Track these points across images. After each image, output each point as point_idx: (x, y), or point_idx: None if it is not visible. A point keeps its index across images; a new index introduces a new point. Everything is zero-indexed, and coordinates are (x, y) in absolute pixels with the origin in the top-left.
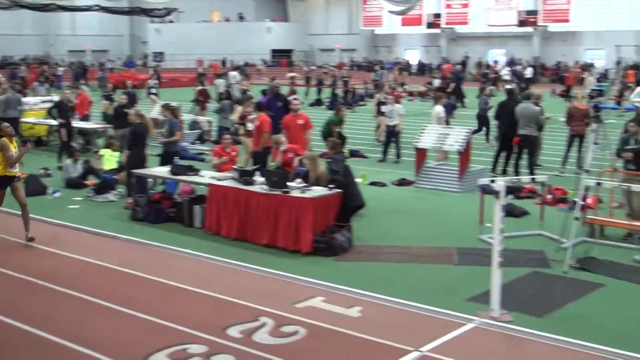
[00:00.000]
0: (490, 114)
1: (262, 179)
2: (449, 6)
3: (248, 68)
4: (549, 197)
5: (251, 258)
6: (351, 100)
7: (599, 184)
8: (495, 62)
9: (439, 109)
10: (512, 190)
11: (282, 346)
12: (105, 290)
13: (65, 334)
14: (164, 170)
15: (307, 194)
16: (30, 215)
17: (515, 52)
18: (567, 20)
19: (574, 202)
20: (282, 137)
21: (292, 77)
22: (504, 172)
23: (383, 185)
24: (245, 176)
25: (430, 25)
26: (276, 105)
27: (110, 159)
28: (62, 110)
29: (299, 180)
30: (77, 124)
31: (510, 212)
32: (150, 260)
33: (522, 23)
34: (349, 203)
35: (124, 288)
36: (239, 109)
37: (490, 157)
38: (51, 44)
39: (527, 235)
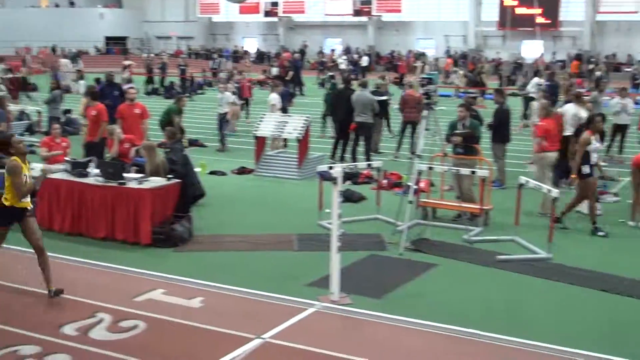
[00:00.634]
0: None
1: (97, 171)
2: None
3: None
4: (385, 182)
5: (88, 252)
6: (190, 89)
7: (430, 168)
8: (332, 50)
9: (274, 97)
10: (349, 176)
11: (120, 341)
12: None
13: None
14: None
15: (145, 185)
16: None
17: (351, 41)
18: (399, 11)
19: (408, 186)
20: (117, 128)
21: (127, 66)
22: (342, 159)
23: (223, 174)
24: (78, 168)
25: (267, 13)
26: (112, 94)
27: None
28: None
29: (135, 169)
30: None
31: (349, 197)
32: None
33: (357, 13)
34: (188, 193)
35: None
36: (83, 100)
37: (328, 145)
38: None
39: (365, 219)
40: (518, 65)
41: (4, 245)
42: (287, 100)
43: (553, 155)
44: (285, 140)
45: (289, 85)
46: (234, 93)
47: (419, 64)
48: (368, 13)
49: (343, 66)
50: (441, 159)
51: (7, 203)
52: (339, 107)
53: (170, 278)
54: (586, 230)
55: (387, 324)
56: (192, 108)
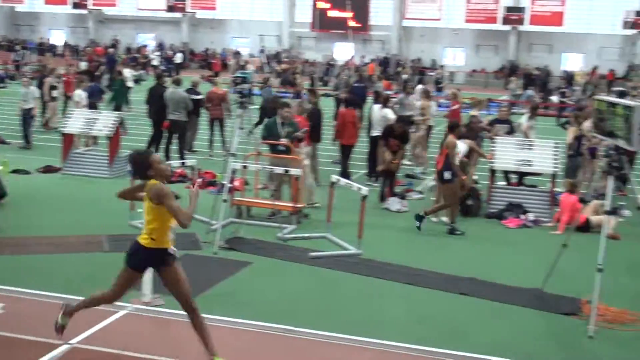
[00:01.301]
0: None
1: None
2: None
3: None
4: (199, 180)
5: None
6: None
7: (245, 166)
8: (145, 46)
9: (79, 93)
10: None
11: None
12: None
13: None
14: None
15: None
16: None
17: (165, 37)
18: (213, 8)
19: (222, 185)
20: None
21: None
22: None
23: (27, 173)
24: None
25: (76, 5)
26: None
27: None
28: None
29: None
30: None
31: None
32: None
33: (170, 9)
34: None
35: None
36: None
37: (142, 142)
38: None
39: None
40: (330, 67)
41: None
42: (97, 96)
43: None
44: (95, 137)
45: (99, 80)
46: (53, 88)
47: (232, 61)
48: (182, 9)
49: (155, 62)
50: (255, 158)
51: (152, 245)
52: (151, 104)
53: None
54: (395, 226)
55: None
56: None
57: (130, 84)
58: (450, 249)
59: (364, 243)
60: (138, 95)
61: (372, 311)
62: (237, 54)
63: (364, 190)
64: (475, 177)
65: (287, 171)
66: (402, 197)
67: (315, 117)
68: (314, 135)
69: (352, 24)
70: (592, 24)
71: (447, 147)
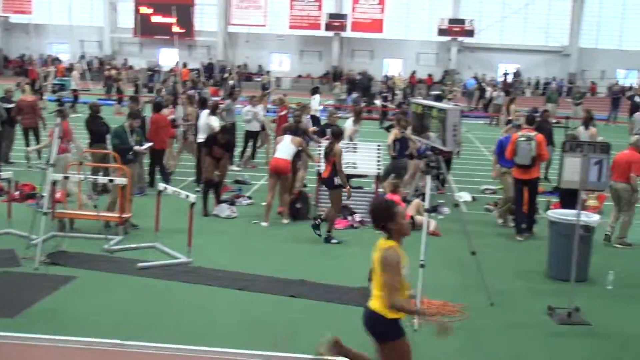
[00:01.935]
0: None
1: None
2: None
3: None
4: (17, 193)
5: None
6: None
7: (66, 177)
8: None
9: None
10: None
11: None
12: None
13: None
14: None
15: None
16: None
17: None
18: (29, 12)
19: (42, 197)
20: None
21: None
22: None
23: None
24: None
25: None
26: None
27: None
28: None
29: None
30: None
31: None
32: None
33: None
34: None
35: None
36: None
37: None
38: None
39: None
40: (155, 73)
41: None
42: None
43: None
44: None
45: None
46: None
47: (52, 68)
48: None
49: None
50: (77, 168)
51: (391, 315)
52: None
53: None
54: (225, 233)
55: (21, 344)
56: None
57: None
58: (280, 253)
59: (194, 251)
60: None
61: (204, 319)
62: (56, 60)
63: (192, 197)
64: (304, 181)
65: (111, 180)
66: (231, 203)
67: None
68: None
69: (176, 29)
70: (410, 31)
71: (335, 154)
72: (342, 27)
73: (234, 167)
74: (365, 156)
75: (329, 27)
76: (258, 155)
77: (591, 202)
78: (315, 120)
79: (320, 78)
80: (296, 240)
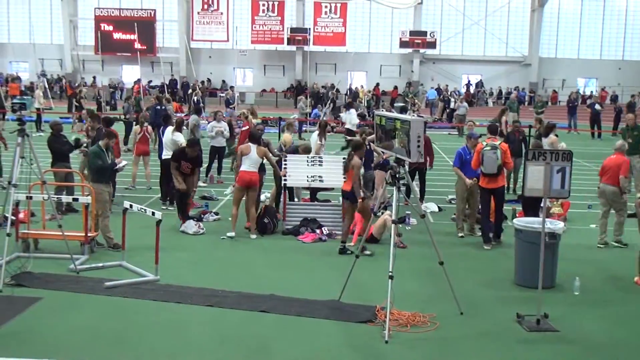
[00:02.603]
0: None
1: None
2: None
3: None
4: None
5: None
6: None
7: (30, 197)
8: None
9: None
10: None
11: None
12: None
13: None
14: None
15: None
16: None
17: None
18: None
19: (5, 218)
20: None
21: None
22: None
23: None
24: None
25: None
26: None
27: None
28: None
29: None
30: None
31: None
32: None
33: None
34: None
35: None
36: None
37: None
38: None
39: None
40: (116, 90)
41: None
42: None
43: None
44: None
45: None
46: None
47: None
48: None
49: None
50: (41, 187)
51: None
52: None
53: None
54: (193, 249)
55: None
56: None
57: None
58: (249, 268)
59: (162, 268)
60: None
61: (175, 337)
62: (17, 79)
63: (158, 214)
64: (269, 195)
65: (75, 199)
66: (198, 219)
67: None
68: None
69: (138, 46)
70: (373, 43)
71: (353, 167)
72: (305, 41)
73: (201, 183)
74: (331, 169)
75: (291, 41)
76: (224, 171)
77: (555, 210)
78: (350, 134)
79: (284, 92)
80: (265, 255)
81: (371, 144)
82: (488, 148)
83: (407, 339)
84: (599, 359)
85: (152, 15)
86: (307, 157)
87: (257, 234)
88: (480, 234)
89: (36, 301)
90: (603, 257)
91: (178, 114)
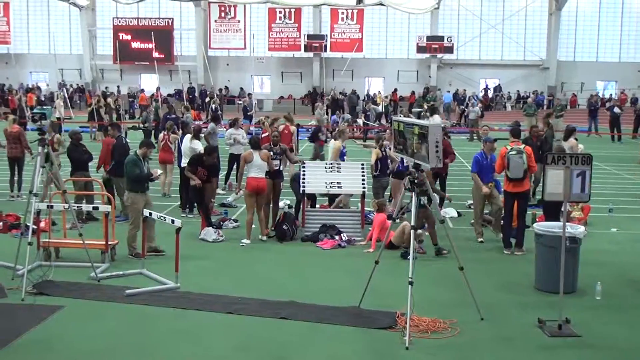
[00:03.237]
0: None
1: None
2: None
3: None
4: (0, 224)
5: None
6: None
7: (50, 206)
8: None
9: None
10: None
11: None
12: None
13: None
14: None
15: None
16: None
17: None
18: (8, 42)
19: (27, 227)
20: None
21: None
22: None
23: None
24: None
25: None
26: None
27: None
28: None
29: None
30: None
31: None
32: None
33: None
34: None
35: None
36: None
37: None
38: None
39: None
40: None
41: None
42: None
43: None
44: None
45: None
46: None
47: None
48: None
49: None
50: (61, 196)
51: None
52: None
53: None
54: (212, 257)
55: None
56: None
57: None
58: (269, 275)
59: (182, 276)
60: None
61: (194, 345)
62: (35, 89)
63: (178, 222)
64: (287, 202)
65: (95, 208)
66: (217, 226)
67: (122, 150)
68: (120, 170)
69: (156, 55)
70: (390, 49)
71: (429, 175)
72: (322, 48)
73: (220, 191)
74: (349, 175)
75: (308, 48)
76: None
77: (576, 214)
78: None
79: (302, 99)
80: (284, 261)
81: (387, 150)
82: (514, 152)
83: (427, 345)
84: None
85: (170, 24)
86: (326, 163)
87: (265, 236)
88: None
89: (58, 309)
90: (625, 261)
91: (196, 122)
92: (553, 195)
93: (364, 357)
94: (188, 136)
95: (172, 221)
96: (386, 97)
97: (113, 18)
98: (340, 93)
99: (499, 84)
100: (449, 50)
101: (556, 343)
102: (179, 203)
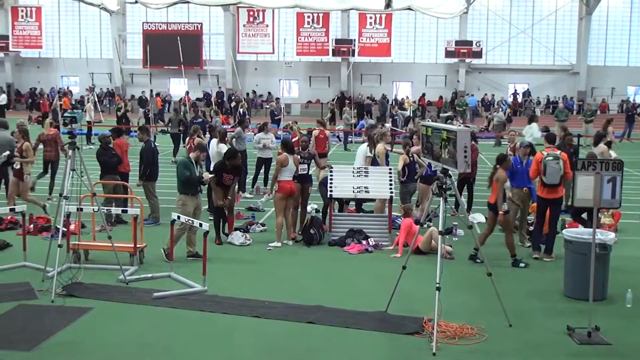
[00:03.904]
0: None
1: None
2: None
3: None
4: (31, 226)
5: None
6: None
7: (80, 209)
8: None
9: None
10: None
11: None
12: None
13: None
14: None
15: None
16: None
17: None
18: (40, 47)
19: (57, 229)
20: None
21: None
22: None
23: None
24: None
25: None
26: None
27: None
28: None
29: None
30: None
31: None
32: None
33: None
34: None
35: None
36: None
37: None
38: None
39: (10, 268)
40: (165, 103)
41: None
42: None
43: None
44: None
45: None
46: None
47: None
48: (5, 49)
49: None
50: (91, 199)
51: None
52: None
53: None
54: (239, 260)
55: None
56: None
57: None
58: (295, 279)
59: (209, 279)
60: None
61: (222, 348)
62: (68, 93)
63: (205, 226)
64: (315, 206)
65: (124, 211)
66: (244, 230)
67: (148, 154)
68: (150, 174)
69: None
70: (418, 53)
71: (498, 180)
72: (350, 52)
73: (247, 195)
74: (377, 180)
75: (336, 52)
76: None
77: (606, 220)
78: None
79: (329, 103)
80: (311, 266)
81: (414, 155)
82: (550, 158)
83: (455, 351)
84: None
85: (199, 28)
86: (353, 168)
87: (292, 240)
88: (529, 244)
89: (87, 311)
90: None
91: (224, 126)
92: (583, 201)
93: None
94: (215, 140)
95: (200, 225)
96: (414, 102)
97: (143, 23)
98: (367, 98)
99: (528, 89)
100: (478, 55)
101: (585, 351)
102: (206, 207)
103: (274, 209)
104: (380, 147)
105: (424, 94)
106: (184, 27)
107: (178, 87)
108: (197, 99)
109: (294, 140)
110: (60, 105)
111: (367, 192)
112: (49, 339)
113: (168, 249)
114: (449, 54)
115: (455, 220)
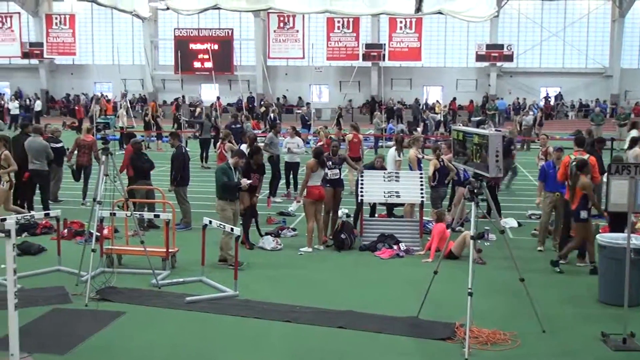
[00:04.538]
0: None
1: None
2: None
3: None
4: (65, 231)
5: None
6: None
7: (113, 214)
8: (2, 94)
9: None
10: (25, 227)
11: None
12: None
13: None
14: None
15: None
16: None
17: (22, 85)
18: (73, 54)
19: (90, 234)
20: None
21: None
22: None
23: None
24: None
25: None
26: None
27: None
28: None
29: None
30: None
31: (26, 250)
32: None
33: (26, 55)
34: None
35: None
36: None
37: None
38: None
39: (45, 272)
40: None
41: None
42: None
43: None
44: None
45: None
46: None
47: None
48: (39, 55)
49: (16, 111)
50: (124, 204)
51: None
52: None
53: None
54: (271, 265)
55: None
56: None
57: None
58: (327, 284)
59: (241, 284)
60: None
61: (252, 352)
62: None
63: (237, 230)
64: (346, 211)
65: (157, 216)
66: (276, 235)
67: (179, 159)
68: (181, 179)
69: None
70: (449, 57)
71: (584, 188)
72: (380, 57)
73: (277, 199)
74: (408, 185)
75: (366, 57)
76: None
77: None
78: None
79: (360, 108)
80: (342, 270)
81: (444, 159)
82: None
83: (487, 357)
84: None
85: (230, 34)
86: (384, 172)
87: (323, 245)
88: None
89: (120, 315)
90: None
91: (255, 131)
92: (617, 206)
93: None
94: (244, 145)
95: (232, 229)
96: (445, 106)
97: (174, 29)
98: (398, 102)
99: (560, 92)
100: (509, 58)
101: (620, 357)
102: None
103: (304, 214)
104: (412, 152)
105: (454, 98)
106: (215, 33)
107: (209, 93)
108: (229, 104)
109: (319, 144)
110: (102, 110)
111: (398, 196)
112: (82, 343)
113: (229, 257)
114: (479, 57)
115: (487, 224)
